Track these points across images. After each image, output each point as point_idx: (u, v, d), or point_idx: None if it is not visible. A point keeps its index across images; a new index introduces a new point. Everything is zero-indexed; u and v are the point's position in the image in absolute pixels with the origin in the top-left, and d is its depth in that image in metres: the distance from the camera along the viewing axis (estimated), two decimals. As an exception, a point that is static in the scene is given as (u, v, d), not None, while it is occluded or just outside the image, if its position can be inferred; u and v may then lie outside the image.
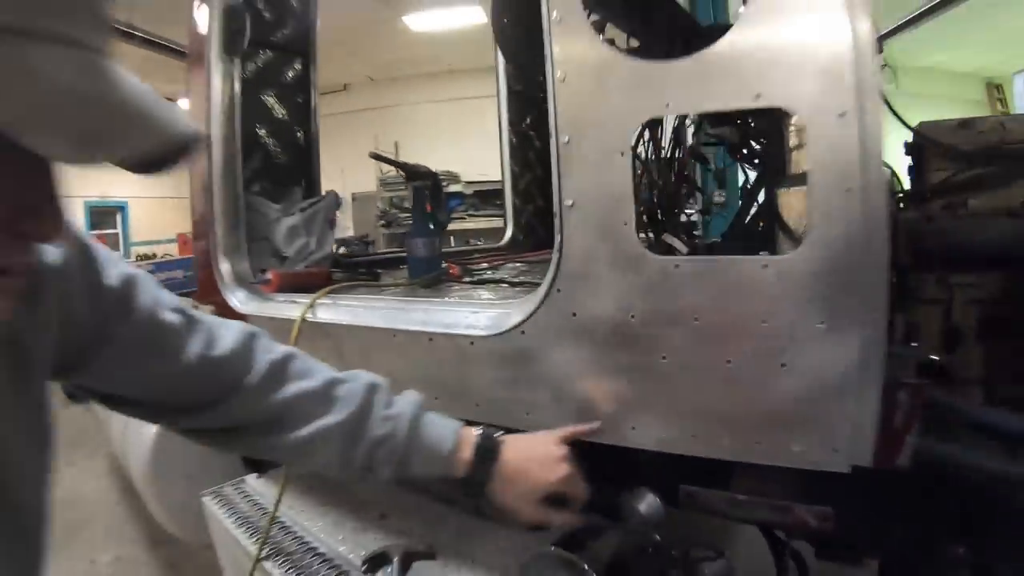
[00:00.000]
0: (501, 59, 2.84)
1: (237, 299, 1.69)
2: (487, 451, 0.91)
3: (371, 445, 0.86)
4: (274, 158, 2.15)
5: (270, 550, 1.33)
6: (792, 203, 0.99)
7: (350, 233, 7.61)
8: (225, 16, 1.83)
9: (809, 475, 0.84)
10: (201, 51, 1.85)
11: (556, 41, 0.90)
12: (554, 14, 0.90)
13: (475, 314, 1.17)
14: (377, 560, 1.14)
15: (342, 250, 3.20)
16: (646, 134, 1.33)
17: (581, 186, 0.91)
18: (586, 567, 0.93)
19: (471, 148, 6.99)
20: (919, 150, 1.58)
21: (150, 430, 1.95)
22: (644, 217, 1.24)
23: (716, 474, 0.97)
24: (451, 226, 6.59)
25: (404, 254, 2.12)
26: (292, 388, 0.85)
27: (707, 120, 1.40)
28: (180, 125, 0.47)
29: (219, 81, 1.83)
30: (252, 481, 1.69)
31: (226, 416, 0.82)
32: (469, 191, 7.87)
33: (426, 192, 1.91)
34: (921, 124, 1.61)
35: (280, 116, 2.19)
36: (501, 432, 0.97)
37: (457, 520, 1.33)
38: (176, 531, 2.12)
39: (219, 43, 1.82)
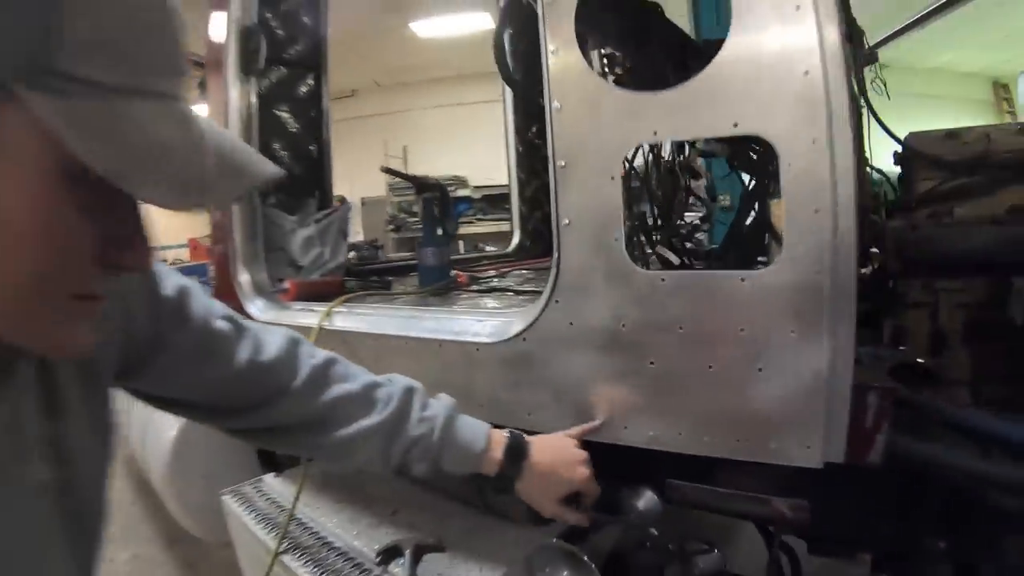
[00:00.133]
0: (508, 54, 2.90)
1: (256, 307, 1.76)
2: (516, 451, 0.96)
3: (408, 444, 0.91)
4: (289, 171, 2.21)
5: (288, 545, 1.38)
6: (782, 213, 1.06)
7: (360, 238, 7.66)
8: (242, 37, 1.91)
9: (804, 474, 0.89)
10: (217, 59, 1.93)
11: (553, 72, 0.98)
12: (551, 47, 0.98)
13: (481, 322, 1.24)
14: (390, 553, 1.21)
15: (352, 254, 3.26)
16: (645, 147, 1.39)
17: (576, 206, 0.98)
18: (586, 559, 0.97)
19: (479, 152, 7.00)
20: (907, 160, 1.63)
21: (169, 433, 2.00)
22: (641, 230, 1.31)
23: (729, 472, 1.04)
24: (460, 230, 6.63)
25: (414, 261, 2.19)
26: (334, 391, 0.89)
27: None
28: (262, 167, 0.52)
29: (236, 98, 1.91)
30: (270, 480, 1.72)
31: (272, 417, 0.86)
32: (477, 195, 7.88)
33: (435, 204, 1.98)
34: (909, 135, 1.66)
35: (294, 130, 2.25)
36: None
37: (465, 516, 1.37)
38: (195, 530, 2.17)
39: (236, 63, 1.90)
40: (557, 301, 1.03)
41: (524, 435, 0.99)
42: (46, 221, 0.43)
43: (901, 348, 1.51)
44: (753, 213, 1.59)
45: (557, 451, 1.00)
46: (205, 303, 0.80)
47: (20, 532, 0.55)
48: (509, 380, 1.14)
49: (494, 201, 7.49)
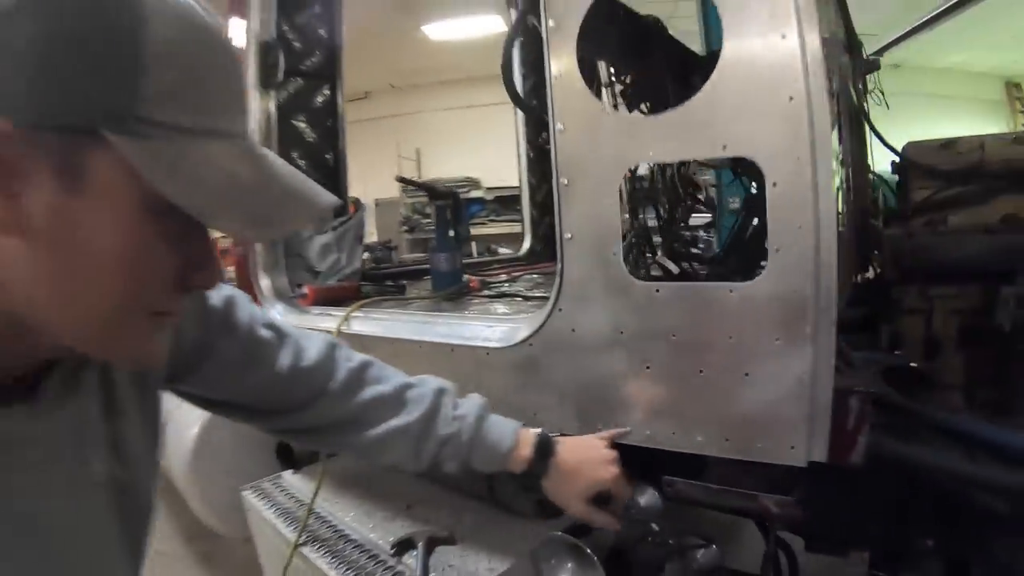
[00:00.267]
0: (519, 77, 2.96)
1: (276, 312, 1.82)
2: (544, 449, 0.98)
3: (439, 443, 0.94)
4: None
5: (307, 537, 1.44)
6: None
7: (374, 239, 7.69)
8: (261, 52, 1.99)
9: (798, 474, 0.94)
10: None
11: (556, 97, 1.04)
12: (554, 72, 1.04)
13: (490, 328, 1.31)
14: (404, 545, 1.24)
15: (367, 255, 3.31)
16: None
17: (578, 222, 1.04)
18: (589, 551, 1.01)
19: (492, 154, 6.99)
20: (904, 169, 1.67)
21: (190, 432, 2.05)
22: (642, 241, 1.37)
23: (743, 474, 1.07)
24: (474, 232, 6.65)
25: (427, 266, 2.24)
26: (369, 393, 0.93)
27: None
28: (325, 198, 0.56)
29: (256, 110, 1.99)
30: (288, 477, 1.79)
31: (311, 418, 0.90)
32: (490, 197, 7.86)
33: (447, 211, 2.05)
34: (907, 144, 1.70)
35: (311, 140, 2.31)
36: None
37: (476, 511, 1.43)
38: (216, 525, 2.21)
39: (256, 77, 1.98)
40: (560, 309, 1.10)
41: (553, 435, 1.02)
42: (132, 251, 0.47)
43: (897, 352, 1.56)
44: (755, 220, 1.65)
45: (585, 450, 1.01)
46: (249, 311, 0.84)
47: (85, 525, 0.59)
48: (517, 383, 1.20)
49: (507, 203, 7.45)
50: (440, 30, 7.38)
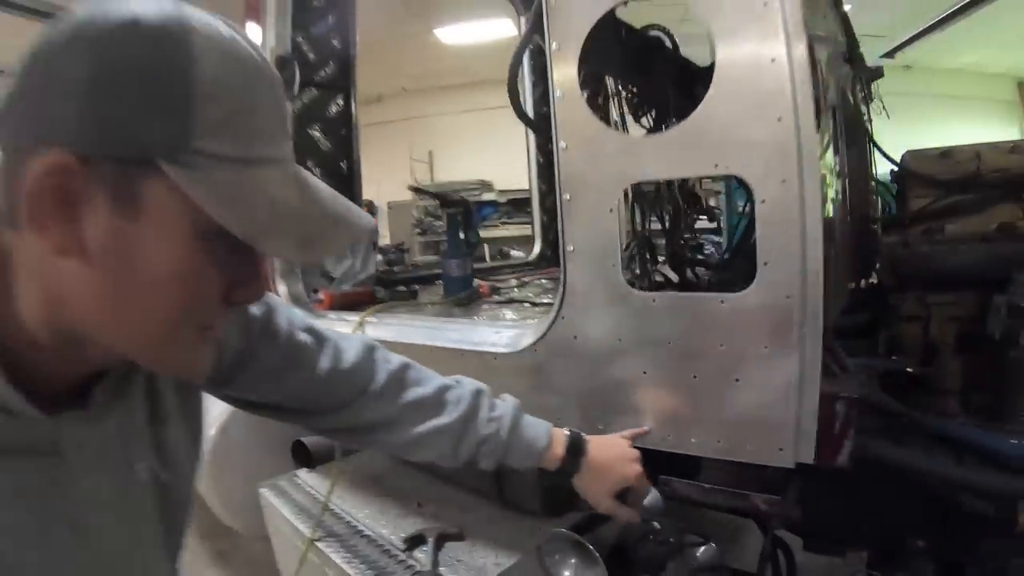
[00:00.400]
0: (528, 87, 3.01)
1: (293, 316, 1.90)
2: (576, 448, 1.01)
3: (476, 443, 0.96)
4: None
5: (322, 533, 1.48)
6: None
7: (387, 241, 7.71)
8: (277, 66, 2.05)
9: (794, 475, 0.99)
10: None
11: (559, 115, 1.10)
12: (558, 93, 1.10)
13: (498, 334, 1.36)
14: (415, 540, 1.33)
15: (380, 258, 3.35)
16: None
17: (579, 235, 1.10)
18: (591, 548, 1.06)
19: (504, 156, 6.98)
20: (902, 178, 1.70)
21: (208, 432, 2.10)
22: (644, 250, 1.42)
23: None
24: (487, 234, 6.65)
25: (439, 271, 2.29)
26: (409, 394, 0.95)
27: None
28: (364, 221, 0.58)
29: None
30: (304, 475, 1.82)
31: (352, 418, 0.92)
32: (503, 199, 7.81)
33: (459, 218, 2.11)
34: (906, 153, 1.73)
35: (325, 149, 2.36)
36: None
37: (485, 508, 1.48)
38: (233, 523, 2.27)
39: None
40: (563, 317, 1.15)
41: (582, 434, 1.04)
42: (184, 272, 0.50)
43: (894, 358, 1.60)
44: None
45: (613, 449, 1.04)
46: (288, 316, 0.86)
47: (130, 522, 0.62)
48: (522, 386, 1.24)
49: (519, 205, 7.38)
50: (452, 34, 7.41)
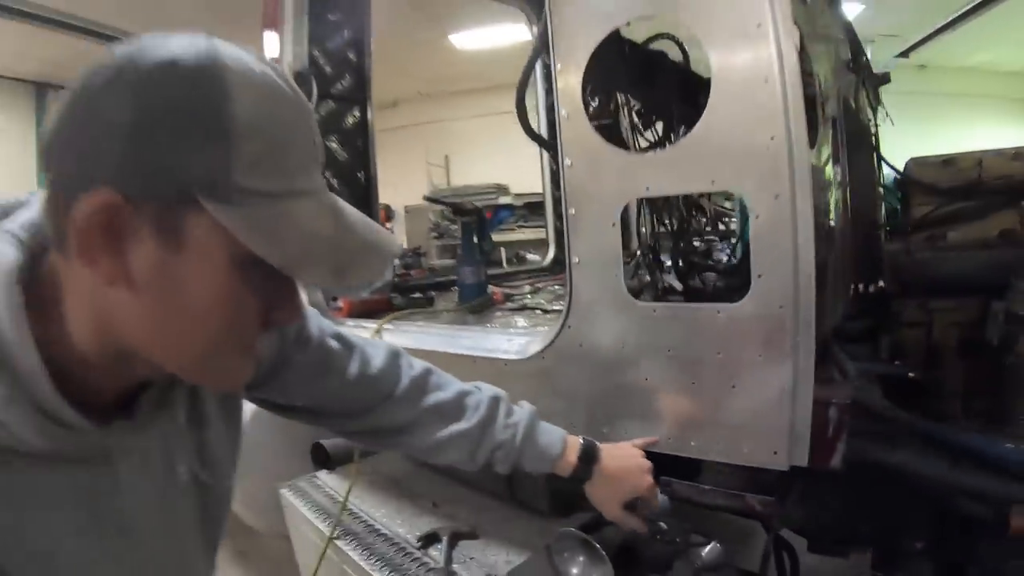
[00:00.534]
0: (541, 98, 3.05)
1: (313, 323, 1.96)
2: (589, 456, 1.03)
3: (493, 447, 0.99)
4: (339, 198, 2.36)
5: (341, 531, 1.52)
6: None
7: (404, 245, 7.70)
8: (294, 82, 2.12)
9: (793, 478, 1.03)
10: None
11: (564, 134, 1.15)
12: (563, 112, 1.15)
13: (509, 341, 1.42)
14: (429, 539, 1.37)
15: (397, 262, 3.36)
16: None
17: (584, 248, 1.15)
18: (598, 547, 1.08)
19: (520, 160, 6.96)
20: (905, 186, 1.74)
21: None
22: (651, 260, 1.47)
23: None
24: (503, 238, 6.64)
25: (454, 277, 2.33)
26: (431, 399, 0.98)
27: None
28: (392, 247, 0.60)
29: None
30: (324, 476, 1.85)
31: (376, 421, 0.95)
32: (519, 203, 7.69)
33: (472, 226, 2.16)
34: (909, 160, 1.76)
35: (343, 160, 2.41)
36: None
37: (497, 509, 1.51)
38: (254, 522, 2.29)
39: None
40: (570, 326, 1.21)
41: (596, 442, 1.06)
42: (224, 299, 0.52)
43: (896, 363, 1.63)
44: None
45: (625, 459, 1.06)
46: (319, 324, 0.89)
47: (172, 521, 0.66)
48: (531, 391, 1.27)
49: (536, 208, 7.27)
50: (466, 39, 7.45)
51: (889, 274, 1.66)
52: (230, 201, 0.48)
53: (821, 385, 1.00)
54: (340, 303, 1.98)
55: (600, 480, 1.04)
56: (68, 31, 5.26)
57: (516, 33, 6.84)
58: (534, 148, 3.61)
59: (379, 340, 1.03)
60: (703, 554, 1.14)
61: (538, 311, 1.92)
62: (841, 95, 1.58)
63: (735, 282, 1.70)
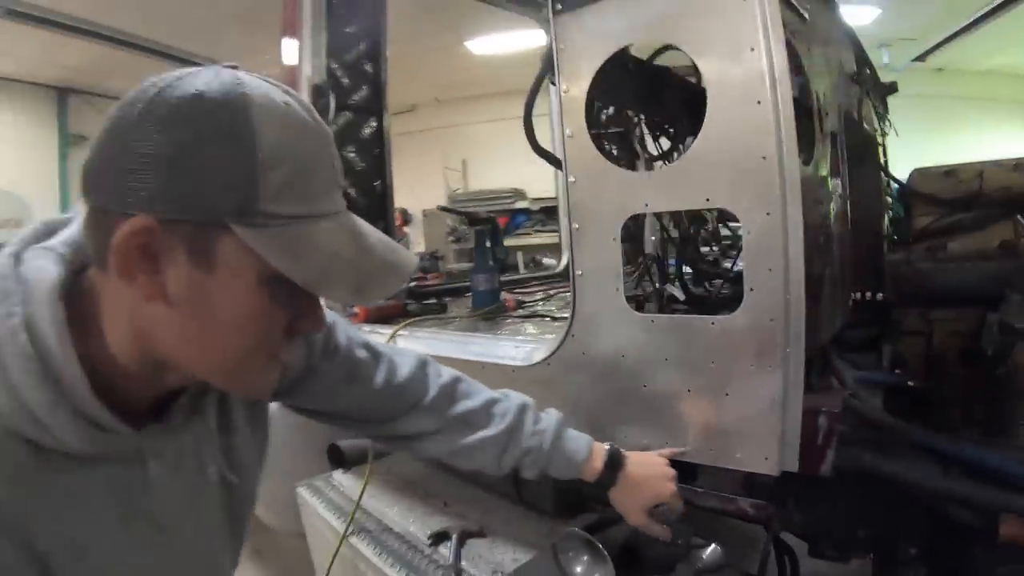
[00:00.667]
0: (555, 108, 3.08)
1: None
2: (614, 462, 1.07)
3: (521, 453, 1.03)
4: (357, 208, 2.37)
5: (354, 529, 1.57)
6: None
7: (421, 249, 7.74)
8: (312, 95, 2.19)
9: (793, 484, 1.07)
10: (289, 81, 2.15)
11: (569, 152, 1.20)
12: (567, 131, 1.21)
13: (516, 348, 1.47)
14: (440, 537, 1.42)
15: None
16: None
17: (587, 261, 1.20)
18: (600, 546, 1.12)
19: (536, 165, 6.88)
20: (907, 197, 1.76)
21: None
22: (653, 270, 1.51)
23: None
24: (519, 242, 6.63)
25: (467, 283, 2.37)
26: (459, 407, 1.01)
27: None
28: (409, 264, 0.63)
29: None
30: (338, 475, 1.90)
31: (405, 428, 0.98)
32: (536, 207, 7.73)
33: (486, 234, 2.22)
34: (913, 171, 1.78)
35: (359, 169, 2.46)
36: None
37: (505, 508, 1.55)
38: (271, 520, 2.32)
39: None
40: (574, 335, 1.26)
41: (621, 449, 1.10)
42: (253, 313, 0.56)
43: (897, 372, 1.66)
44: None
45: (650, 466, 1.09)
46: (347, 334, 0.92)
47: (201, 519, 0.70)
48: (537, 397, 1.33)
49: (552, 213, 7.23)
50: (482, 45, 7.49)
51: (890, 284, 1.69)
52: (257, 225, 0.52)
53: (813, 393, 1.04)
54: (356, 309, 2.03)
55: (624, 486, 1.07)
56: (90, 38, 5.37)
57: (532, 38, 6.89)
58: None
59: (407, 349, 1.05)
60: (704, 556, 1.17)
61: (547, 318, 1.97)
62: (842, 109, 1.61)
63: (741, 290, 1.74)
